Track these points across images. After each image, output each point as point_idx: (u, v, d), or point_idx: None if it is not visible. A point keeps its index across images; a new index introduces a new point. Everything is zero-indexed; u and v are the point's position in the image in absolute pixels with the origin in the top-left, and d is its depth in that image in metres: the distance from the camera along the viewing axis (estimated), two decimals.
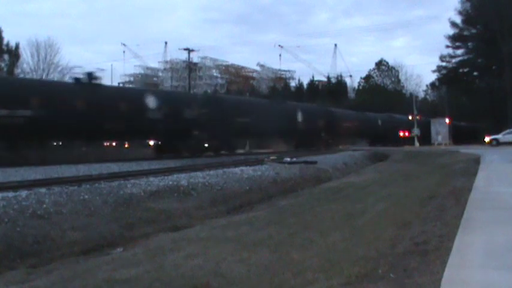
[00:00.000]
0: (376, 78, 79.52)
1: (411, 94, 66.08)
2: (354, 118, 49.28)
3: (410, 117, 49.64)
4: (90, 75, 25.43)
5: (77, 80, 25.46)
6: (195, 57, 75.59)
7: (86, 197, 10.20)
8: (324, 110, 45.29)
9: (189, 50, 62.06)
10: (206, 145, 31.85)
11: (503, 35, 45.73)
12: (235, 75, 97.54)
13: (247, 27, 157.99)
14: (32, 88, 23.65)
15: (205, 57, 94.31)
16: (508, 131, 38.25)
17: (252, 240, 6.91)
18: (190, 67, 68.60)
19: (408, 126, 53.66)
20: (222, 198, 12.77)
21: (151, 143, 32.16)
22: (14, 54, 48.87)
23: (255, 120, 33.04)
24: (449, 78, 57.94)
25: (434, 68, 60.12)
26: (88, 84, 24.80)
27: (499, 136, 37.86)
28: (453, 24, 55.06)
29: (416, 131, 48.18)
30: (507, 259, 4.19)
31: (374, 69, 79.63)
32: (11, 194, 9.72)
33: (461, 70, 58.25)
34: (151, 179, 13.26)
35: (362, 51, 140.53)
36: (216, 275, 5.18)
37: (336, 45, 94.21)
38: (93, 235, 8.52)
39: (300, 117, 39.17)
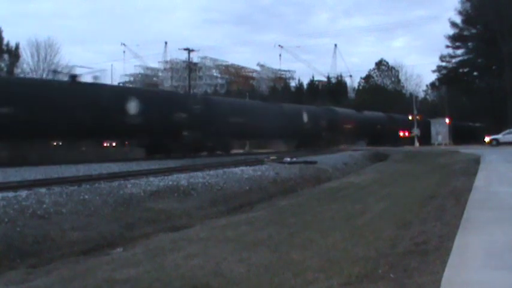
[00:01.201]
0: (376, 78, 79.42)
1: (411, 94, 66.06)
2: (253, 110, 35.79)
3: (410, 117, 49.52)
4: None
5: None
6: (195, 57, 75.71)
7: (86, 197, 10.20)
8: (189, 99, 33.09)
9: (189, 50, 62.07)
10: None
11: (503, 35, 45.73)
12: (235, 75, 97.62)
13: (247, 27, 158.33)
14: None
15: (205, 57, 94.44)
16: (508, 131, 38.26)
17: (252, 240, 6.91)
18: (190, 67, 68.60)
19: (357, 123, 46.16)
20: (222, 198, 12.77)
21: None
22: (14, 54, 48.85)
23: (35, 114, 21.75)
24: (449, 78, 57.94)
25: (434, 68, 60.19)
26: None
27: (499, 136, 37.87)
28: (453, 24, 55.12)
29: (416, 131, 48.16)
30: (507, 259, 4.19)
31: (374, 69, 79.56)
32: (11, 194, 9.71)
33: (461, 70, 58.26)
34: (151, 179, 13.26)
35: (362, 51, 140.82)
36: (216, 275, 5.18)
37: (336, 45, 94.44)
38: (93, 235, 8.52)
39: (134, 108, 26.30)
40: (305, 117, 40.27)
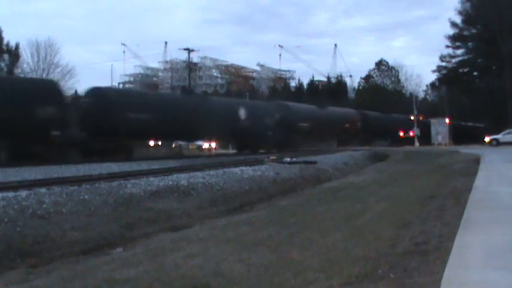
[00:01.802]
0: (376, 78, 79.43)
1: (411, 94, 66.07)
2: (164, 105, 29.07)
3: (412, 117, 49.43)
4: None
5: None
6: (195, 57, 75.73)
7: (86, 197, 10.20)
8: (58, 88, 26.55)
9: (189, 50, 62.16)
10: None
11: (503, 35, 45.74)
12: (235, 75, 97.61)
13: (247, 27, 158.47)
14: None
15: (205, 57, 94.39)
16: (508, 131, 38.26)
17: (252, 240, 6.91)
18: (190, 67, 68.62)
19: (319, 121, 40.29)
20: (222, 198, 12.77)
21: None
22: (14, 54, 48.83)
23: None
24: (449, 78, 57.96)
25: (434, 68, 60.25)
26: None
27: (499, 136, 37.87)
28: (453, 24, 55.16)
29: (416, 131, 48.14)
30: (507, 259, 4.19)
31: (374, 69, 79.60)
32: (11, 194, 9.71)
33: (461, 70, 58.29)
34: (151, 179, 13.26)
35: (362, 51, 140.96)
36: (216, 275, 5.18)
37: (336, 45, 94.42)
38: (93, 235, 8.52)
39: None
40: (242, 114, 33.03)
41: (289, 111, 38.20)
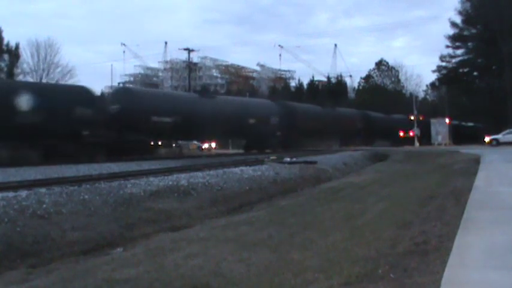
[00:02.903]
0: (376, 78, 79.46)
1: (411, 94, 66.06)
2: None
3: (412, 117, 49.31)
4: None
5: None
6: (195, 57, 75.77)
7: (86, 197, 10.20)
8: None
9: (189, 50, 62.14)
10: None
11: (503, 35, 45.71)
12: (235, 75, 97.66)
13: (247, 27, 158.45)
14: None
15: (205, 57, 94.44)
16: (508, 131, 38.23)
17: (252, 240, 6.91)
18: (190, 67, 68.61)
19: (194, 116, 27.84)
20: (222, 198, 12.77)
21: None
22: (14, 54, 48.85)
23: None
24: (449, 78, 57.93)
25: (434, 68, 60.21)
26: None
27: (499, 136, 37.84)
28: (453, 24, 55.13)
29: (416, 131, 48.10)
30: (507, 259, 4.19)
31: (374, 69, 79.62)
32: (11, 194, 9.71)
33: (461, 70, 58.26)
34: (151, 179, 13.26)
35: (362, 51, 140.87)
36: (216, 275, 5.18)
37: (336, 45, 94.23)
38: (93, 235, 8.52)
39: None
40: (24, 102, 20.95)
41: (135, 101, 26.19)
